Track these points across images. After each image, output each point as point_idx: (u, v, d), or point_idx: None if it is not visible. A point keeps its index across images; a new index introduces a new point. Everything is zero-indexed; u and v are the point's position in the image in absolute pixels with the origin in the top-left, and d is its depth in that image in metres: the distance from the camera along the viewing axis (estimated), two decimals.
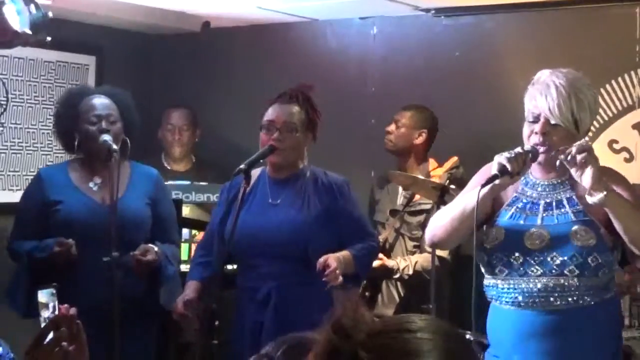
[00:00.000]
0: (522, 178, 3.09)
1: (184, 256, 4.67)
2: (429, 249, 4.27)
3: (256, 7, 5.10)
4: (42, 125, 5.26)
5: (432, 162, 4.80)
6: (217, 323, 3.70)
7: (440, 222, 3.15)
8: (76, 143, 3.94)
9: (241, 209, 3.59)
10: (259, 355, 1.70)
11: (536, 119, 2.99)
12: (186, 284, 3.86)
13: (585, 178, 2.90)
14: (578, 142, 2.93)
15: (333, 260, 3.58)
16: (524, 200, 3.09)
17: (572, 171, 2.93)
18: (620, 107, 4.72)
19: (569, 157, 2.90)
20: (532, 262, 3.00)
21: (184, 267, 4.33)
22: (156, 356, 4.15)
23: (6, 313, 3.92)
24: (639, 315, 4.19)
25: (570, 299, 2.98)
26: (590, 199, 2.90)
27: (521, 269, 3.02)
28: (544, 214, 3.05)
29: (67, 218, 3.87)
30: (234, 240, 3.58)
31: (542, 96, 2.97)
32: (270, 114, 3.75)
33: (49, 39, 3.33)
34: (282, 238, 3.67)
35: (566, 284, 2.98)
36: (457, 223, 3.07)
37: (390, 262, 4.56)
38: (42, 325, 2.05)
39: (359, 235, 3.78)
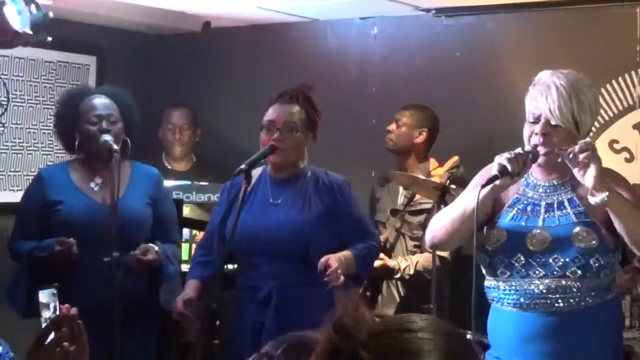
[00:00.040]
0: (523, 179, 3.09)
1: (184, 256, 4.67)
2: (430, 249, 4.26)
3: (256, 7, 5.10)
4: (43, 126, 5.26)
5: (432, 162, 4.80)
6: (218, 323, 3.69)
7: (441, 223, 3.14)
8: (77, 143, 3.95)
9: (242, 208, 3.59)
10: (259, 354, 1.70)
11: (537, 120, 2.99)
12: (186, 283, 3.87)
13: (588, 178, 2.89)
14: (582, 141, 2.93)
15: (334, 260, 3.58)
16: (525, 202, 3.08)
17: (575, 171, 2.92)
18: (620, 107, 4.72)
19: (571, 155, 2.89)
20: (535, 263, 3.00)
21: (185, 267, 4.33)
22: (157, 356, 4.15)
23: (6, 313, 3.91)
24: None
25: (572, 301, 2.98)
26: (593, 200, 2.89)
27: (523, 270, 3.01)
28: (546, 215, 3.04)
29: (68, 218, 3.88)
30: (235, 240, 3.58)
31: (542, 97, 2.97)
32: (270, 114, 3.75)
33: (49, 39, 3.33)
34: (283, 237, 3.67)
35: (568, 285, 2.97)
36: (457, 224, 3.06)
37: (391, 262, 4.56)
38: (43, 325, 2.05)
39: (360, 235, 3.78)
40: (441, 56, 5.18)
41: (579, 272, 2.96)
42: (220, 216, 3.80)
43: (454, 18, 5.15)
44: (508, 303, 3.05)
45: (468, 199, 3.04)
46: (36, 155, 5.28)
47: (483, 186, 2.95)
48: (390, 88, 5.26)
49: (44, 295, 2.13)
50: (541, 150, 2.98)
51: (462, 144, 4.86)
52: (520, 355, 3.02)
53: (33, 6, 3.24)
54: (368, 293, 4.62)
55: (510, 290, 3.04)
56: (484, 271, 3.13)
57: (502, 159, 2.93)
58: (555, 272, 2.98)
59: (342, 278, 3.58)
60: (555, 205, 3.05)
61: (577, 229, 2.99)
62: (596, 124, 4.48)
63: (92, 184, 3.96)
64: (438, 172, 4.70)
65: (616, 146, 4.72)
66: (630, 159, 4.69)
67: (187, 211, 4.87)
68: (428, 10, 5.16)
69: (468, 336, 2.90)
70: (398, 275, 4.56)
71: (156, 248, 3.90)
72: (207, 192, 4.98)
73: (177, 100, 5.57)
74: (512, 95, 4.45)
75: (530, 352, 3.01)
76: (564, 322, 2.98)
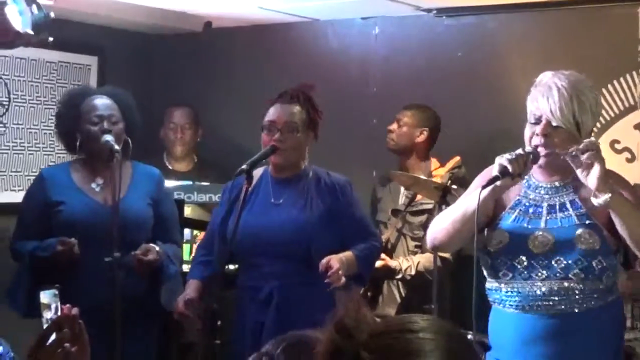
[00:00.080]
0: (525, 181, 3.08)
1: (185, 256, 4.67)
2: (431, 251, 4.26)
3: (258, 7, 5.10)
4: (44, 126, 5.26)
5: (434, 162, 4.80)
6: (219, 323, 3.69)
7: (442, 224, 3.14)
8: (78, 143, 3.95)
9: (243, 208, 3.59)
10: (259, 353, 1.70)
11: (538, 121, 2.98)
12: (187, 283, 3.87)
13: (591, 179, 2.88)
14: (587, 140, 2.92)
15: (335, 261, 3.58)
16: (527, 204, 3.08)
17: (578, 172, 2.92)
18: (622, 108, 4.72)
19: (574, 153, 2.88)
20: (537, 265, 2.99)
21: (186, 268, 4.33)
22: (157, 356, 4.15)
23: (7, 312, 3.92)
24: None
25: (574, 303, 2.97)
26: (596, 201, 2.88)
27: (525, 272, 3.00)
28: (548, 217, 3.03)
29: (69, 219, 3.88)
30: (237, 240, 3.58)
31: (543, 98, 2.96)
32: (271, 114, 3.75)
33: (51, 39, 3.33)
34: (284, 237, 3.67)
35: (570, 287, 2.97)
36: (458, 225, 3.06)
37: (392, 263, 4.56)
38: (45, 326, 2.05)
39: (362, 235, 3.79)
40: (442, 56, 5.18)
41: (582, 274, 2.96)
42: (221, 216, 3.80)
43: (455, 18, 5.15)
44: (510, 305, 3.04)
45: (469, 200, 3.03)
46: (37, 156, 5.28)
47: (484, 187, 2.94)
48: (392, 88, 5.26)
49: (45, 296, 2.13)
50: (542, 151, 2.98)
51: (463, 144, 4.86)
52: (521, 357, 3.02)
53: (34, 6, 3.25)
54: (369, 293, 4.62)
55: (512, 292, 3.03)
56: (485, 273, 3.12)
57: (502, 159, 2.92)
58: (557, 274, 2.97)
59: (343, 279, 3.58)
60: (557, 207, 3.04)
61: (579, 231, 2.98)
62: (597, 124, 4.48)
63: (93, 185, 3.96)
64: (439, 173, 4.69)
65: (617, 146, 4.72)
66: (631, 159, 4.69)
67: (188, 211, 4.88)
68: (429, 11, 5.16)
69: (469, 336, 2.89)
70: (399, 276, 4.56)
71: (157, 248, 3.90)
72: (208, 192, 4.98)
73: (179, 101, 5.57)
74: (513, 95, 4.45)
75: (531, 354, 3.01)
76: (565, 324, 2.98)
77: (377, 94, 5.35)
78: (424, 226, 4.42)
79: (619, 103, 4.71)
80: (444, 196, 4.24)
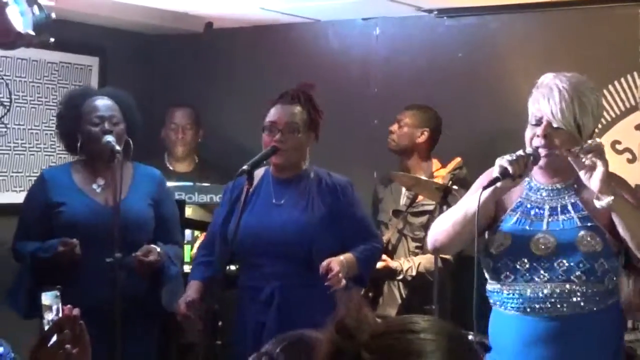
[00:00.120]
0: (526, 183, 3.08)
1: (186, 257, 4.67)
2: (432, 253, 4.26)
3: (259, 7, 5.10)
4: (45, 127, 5.26)
5: (435, 163, 4.80)
6: (220, 323, 3.69)
7: (442, 226, 3.13)
8: (79, 144, 3.95)
9: (244, 209, 3.59)
10: (259, 353, 1.70)
11: (539, 122, 2.98)
12: (188, 284, 3.87)
13: (594, 181, 2.88)
14: (591, 141, 2.91)
15: (336, 264, 3.58)
16: (528, 205, 3.07)
17: (581, 174, 2.91)
18: (623, 108, 4.71)
19: (577, 151, 2.88)
20: (539, 268, 2.98)
21: (187, 268, 4.33)
22: (158, 356, 4.15)
23: (7, 313, 3.92)
24: None
25: (576, 305, 2.96)
26: (598, 203, 2.88)
27: (527, 274, 3.00)
28: (549, 219, 3.03)
29: (71, 220, 3.88)
30: (238, 240, 3.58)
31: (545, 99, 2.96)
32: (272, 114, 3.75)
33: (52, 40, 3.33)
34: (285, 238, 3.67)
35: (572, 289, 2.96)
36: (459, 227, 3.05)
37: (393, 263, 4.56)
38: (46, 327, 2.05)
39: (363, 236, 3.78)
40: (443, 57, 5.18)
41: (584, 276, 2.95)
42: (222, 217, 3.80)
43: (456, 19, 5.15)
44: (511, 307, 3.04)
45: (469, 202, 3.03)
46: (38, 156, 5.28)
47: (484, 188, 2.94)
48: (393, 89, 5.26)
49: (46, 298, 2.13)
50: (542, 152, 2.97)
51: (465, 145, 4.86)
52: (522, 359, 3.02)
53: (35, 7, 3.24)
54: (370, 294, 4.62)
55: (513, 294, 3.02)
56: (486, 275, 3.11)
57: (503, 161, 2.92)
58: (559, 277, 2.96)
59: (343, 282, 3.58)
60: (559, 209, 3.03)
61: (581, 233, 2.98)
62: (598, 124, 4.48)
63: (94, 186, 3.96)
64: (441, 173, 4.69)
65: (618, 147, 4.72)
66: (632, 160, 4.69)
67: (189, 212, 4.88)
68: (430, 11, 5.16)
69: (470, 337, 2.89)
70: (400, 277, 4.56)
71: (158, 249, 3.90)
72: (209, 193, 4.98)
73: (180, 101, 5.57)
74: (515, 96, 4.45)
75: (531, 356, 3.00)
76: (566, 326, 2.97)
77: (378, 94, 5.35)
78: (425, 227, 4.42)
79: (620, 104, 4.71)
80: (445, 197, 4.24)
